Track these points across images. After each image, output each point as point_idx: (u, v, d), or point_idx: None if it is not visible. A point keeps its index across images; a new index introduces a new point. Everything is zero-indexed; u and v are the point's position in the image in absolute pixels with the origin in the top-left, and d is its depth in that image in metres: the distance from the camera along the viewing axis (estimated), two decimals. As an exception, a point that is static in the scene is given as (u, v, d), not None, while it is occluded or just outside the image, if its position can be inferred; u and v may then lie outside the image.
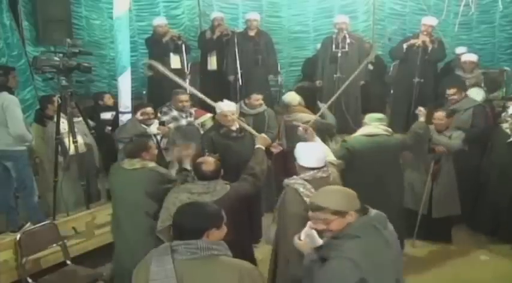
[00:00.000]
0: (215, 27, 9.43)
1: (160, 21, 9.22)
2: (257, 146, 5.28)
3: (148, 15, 10.09)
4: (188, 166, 5.50)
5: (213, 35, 9.39)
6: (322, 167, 4.29)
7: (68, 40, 5.99)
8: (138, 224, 4.95)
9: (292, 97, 7.72)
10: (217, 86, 9.37)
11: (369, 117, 6.15)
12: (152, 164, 5.16)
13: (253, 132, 5.63)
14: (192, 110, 7.28)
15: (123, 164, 5.14)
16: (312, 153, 4.33)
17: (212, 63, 9.49)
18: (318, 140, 5.26)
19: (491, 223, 6.88)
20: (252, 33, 9.43)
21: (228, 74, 9.31)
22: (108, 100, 8.13)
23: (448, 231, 6.89)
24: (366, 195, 3.50)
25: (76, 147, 6.09)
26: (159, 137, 6.59)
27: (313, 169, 4.25)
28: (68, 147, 6.13)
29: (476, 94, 7.73)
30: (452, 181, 6.66)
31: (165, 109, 7.02)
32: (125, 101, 6.74)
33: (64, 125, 6.24)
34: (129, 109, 6.70)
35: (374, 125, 5.98)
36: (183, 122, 6.99)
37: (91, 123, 7.23)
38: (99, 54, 9.52)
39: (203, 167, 4.63)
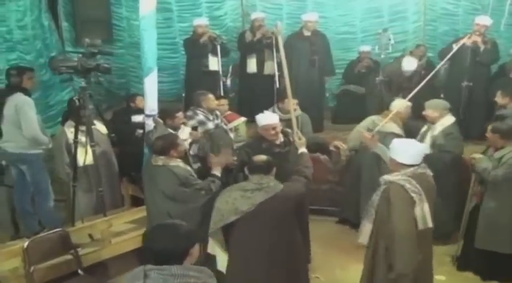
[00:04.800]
0: (255, 28, 9.14)
1: (200, 21, 9.03)
2: (301, 151, 5.32)
3: (191, 16, 9.92)
4: (218, 172, 5.31)
5: (254, 36, 9.10)
6: (420, 163, 4.38)
7: (87, 40, 5.75)
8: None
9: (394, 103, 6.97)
10: (256, 89, 9.12)
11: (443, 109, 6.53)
12: (175, 162, 5.21)
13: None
14: (218, 112, 6.95)
15: (152, 159, 5.27)
16: (412, 150, 4.40)
17: (251, 65, 9.18)
18: (381, 146, 5.39)
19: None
20: (307, 33, 9.08)
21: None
22: (139, 102, 7.87)
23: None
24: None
25: (94, 152, 5.84)
26: (187, 143, 6.28)
27: (412, 166, 4.32)
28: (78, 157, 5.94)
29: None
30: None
31: (189, 113, 6.71)
32: (151, 103, 6.45)
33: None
34: (155, 112, 6.43)
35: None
36: (210, 125, 6.67)
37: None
38: (138, 56, 9.34)
39: (254, 159, 4.65)
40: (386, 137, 6.09)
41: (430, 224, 4.27)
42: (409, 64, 8.31)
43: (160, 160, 5.17)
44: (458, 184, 6.48)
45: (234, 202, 4.38)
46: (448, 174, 6.22)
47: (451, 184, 6.36)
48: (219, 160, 5.49)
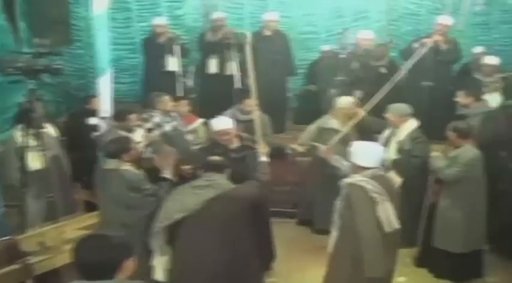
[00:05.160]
0: (216, 29, 9.00)
1: (159, 21, 8.97)
2: (262, 159, 5.42)
3: (151, 15, 9.69)
4: (168, 175, 5.18)
5: (215, 36, 8.95)
6: (380, 166, 4.46)
7: (36, 40, 5.54)
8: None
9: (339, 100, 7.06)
10: (217, 90, 8.92)
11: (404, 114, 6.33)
12: (126, 166, 5.08)
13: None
14: (176, 114, 6.80)
15: (103, 163, 5.21)
16: (369, 152, 4.44)
17: (212, 66, 9.03)
18: (337, 158, 5.38)
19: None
20: (268, 32, 9.04)
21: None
22: (95, 104, 7.70)
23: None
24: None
25: (44, 156, 5.64)
26: (142, 146, 6.12)
27: (371, 168, 4.34)
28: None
29: (492, 99, 7.23)
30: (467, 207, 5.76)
31: (145, 115, 6.58)
32: (105, 105, 6.29)
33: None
34: (109, 114, 6.27)
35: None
36: (167, 127, 6.56)
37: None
38: (98, 57, 9.15)
39: (209, 158, 4.68)
40: (326, 133, 6.53)
41: (396, 225, 4.24)
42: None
43: (111, 164, 5.06)
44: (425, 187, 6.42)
45: (182, 199, 4.34)
46: (417, 178, 6.21)
47: (420, 188, 6.26)
48: (164, 161, 5.35)
